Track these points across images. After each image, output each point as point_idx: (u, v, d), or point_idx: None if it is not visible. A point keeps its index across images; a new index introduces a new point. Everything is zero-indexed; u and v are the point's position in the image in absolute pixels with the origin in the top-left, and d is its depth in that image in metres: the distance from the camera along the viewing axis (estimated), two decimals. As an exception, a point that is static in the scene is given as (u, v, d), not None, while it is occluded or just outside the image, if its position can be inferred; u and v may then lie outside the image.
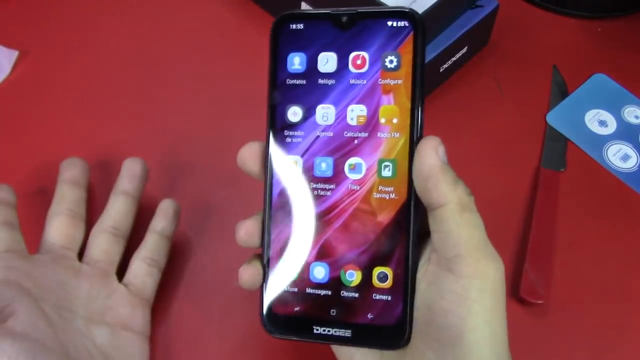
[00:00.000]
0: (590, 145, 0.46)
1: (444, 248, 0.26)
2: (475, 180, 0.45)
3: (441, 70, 0.47)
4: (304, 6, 0.47)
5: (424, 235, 0.28)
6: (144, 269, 0.36)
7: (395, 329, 0.27)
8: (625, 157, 0.45)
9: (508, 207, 0.42)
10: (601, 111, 0.48)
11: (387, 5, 0.41)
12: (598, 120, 0.47)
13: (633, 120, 0.47)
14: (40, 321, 0.30)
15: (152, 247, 0.37)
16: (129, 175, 0.39)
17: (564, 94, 0.49)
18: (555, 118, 0.47)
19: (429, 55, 0.44)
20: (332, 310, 0.28)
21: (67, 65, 0.50)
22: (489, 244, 0.26)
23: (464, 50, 0.48)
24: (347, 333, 0.27)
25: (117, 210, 0.37)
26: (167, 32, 0.52)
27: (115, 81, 0.49)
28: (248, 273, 0.28)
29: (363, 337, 0.27)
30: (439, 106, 0.47)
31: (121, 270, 0.37)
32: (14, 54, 0.49)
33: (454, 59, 0.47)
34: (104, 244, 0.36)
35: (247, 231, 0.29)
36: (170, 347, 0.37)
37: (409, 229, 0.27)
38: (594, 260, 0.40)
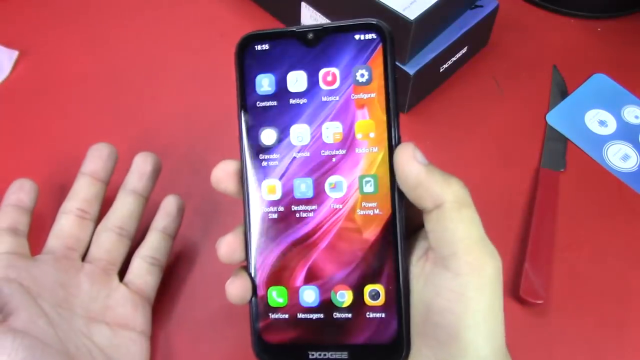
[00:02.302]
0: (590, 145, 0.46)
1: (440, 246, 0.25)
2: (475, 180, 0.45)
3: (441, 70, 0.47)
4: (304, 6, 0.47)
5: (414, 229, 0.28)
6: (145, 268, 0.36)
7: (392, 346, 0.26)
8: (625, 157, 0.45)
9: (508, 207, 0.42)
10: (601, 111, 0.48)
11: (387, 6, 0.41)
12: (598, 120, 0.47)
13: (633, 120, 0.47)
14: (40, 319, 0.30)
15: (153, 246, 0.37)
16: (139, 172, 0.38)
17: (564, 94, 0.49)
18: (555, 118, 0.47)
19: (429, 55, 0.44)
20: (326, 334, 0.27)
21: (67, 65, 0.50)
22: (487, 240, 0.25)
23: (464, 50, 0.48)
24: (344, 355, 0.27)
25: (125, 209, 0.37)
26: (167, 32, 0.52)
27: (116, 81, 0.49)
28: (235, 286, 0.27)
29: (361, 357, 0.27)
30: (439, 106, 0.47)
31: (125, 268, 0.36)
32: (14, 54, 0.49)
33: (454, 59, 0.47)
34: (108, 243, 0.36)
35: (230, 247, 0.28)
36: (171, 348, 0.37)
37: (396, 243, 0.26)
38: (594, 260, 0.40)
